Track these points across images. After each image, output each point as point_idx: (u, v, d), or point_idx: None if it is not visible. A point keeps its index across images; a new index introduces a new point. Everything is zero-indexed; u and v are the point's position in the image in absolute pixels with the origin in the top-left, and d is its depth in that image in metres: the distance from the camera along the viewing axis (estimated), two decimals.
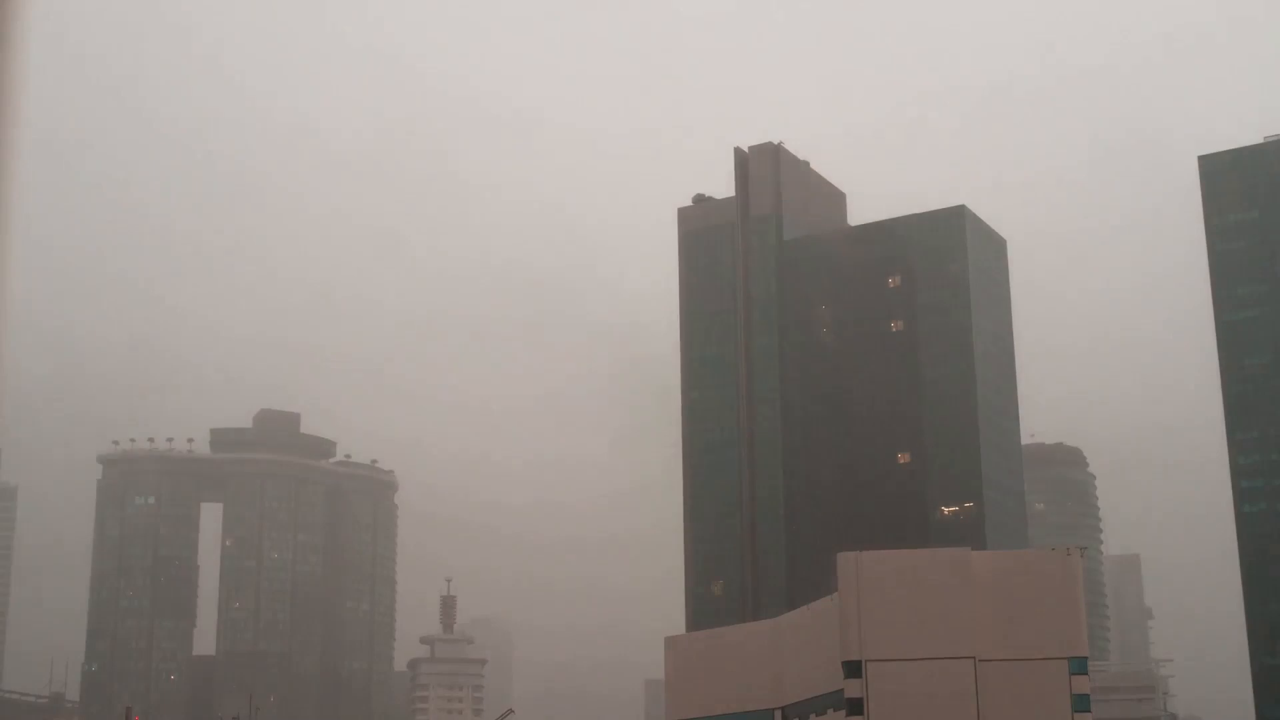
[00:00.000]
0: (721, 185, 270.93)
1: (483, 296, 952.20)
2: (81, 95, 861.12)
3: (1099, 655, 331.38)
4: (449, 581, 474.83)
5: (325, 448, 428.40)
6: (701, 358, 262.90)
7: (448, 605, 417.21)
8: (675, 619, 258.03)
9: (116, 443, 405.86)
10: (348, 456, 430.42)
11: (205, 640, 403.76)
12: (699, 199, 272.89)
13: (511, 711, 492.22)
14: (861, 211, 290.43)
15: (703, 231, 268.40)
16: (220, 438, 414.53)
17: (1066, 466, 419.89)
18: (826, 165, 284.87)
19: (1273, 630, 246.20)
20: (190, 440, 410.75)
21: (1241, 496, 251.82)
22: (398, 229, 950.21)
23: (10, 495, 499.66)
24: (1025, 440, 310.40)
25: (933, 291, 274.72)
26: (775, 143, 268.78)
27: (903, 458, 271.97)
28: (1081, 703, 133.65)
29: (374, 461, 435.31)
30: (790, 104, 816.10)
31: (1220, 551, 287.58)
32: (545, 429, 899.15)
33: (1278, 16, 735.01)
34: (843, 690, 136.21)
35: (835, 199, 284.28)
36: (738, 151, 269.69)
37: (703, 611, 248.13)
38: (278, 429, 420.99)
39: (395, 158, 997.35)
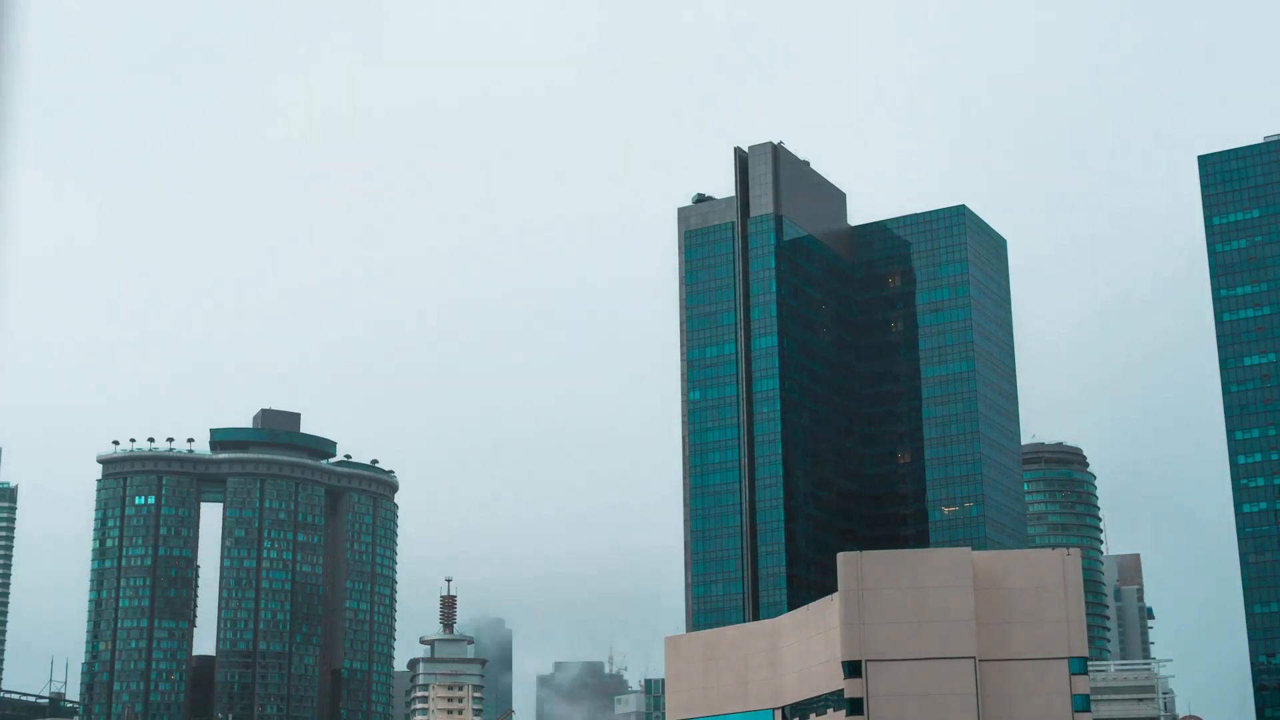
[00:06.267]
0: (721, 185, 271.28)
1: (483, 296, 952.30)
2: (82, 91, 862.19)
3: (1099, 655, 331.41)
4: (449, 581, 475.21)
5: (325, 448, 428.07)
6: (701, 358, 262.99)
7: (448, 605, 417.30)
8: (675, 619, 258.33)
9: (116, 443, 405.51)
10: (348, 456, 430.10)
11: (205, 640, 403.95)
12: (699, 199, 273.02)
13: (511, 712, 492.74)
14: (861, 211, 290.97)
15: (703, 231, 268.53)
16: (220, 438, 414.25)
17: (1066, 466, 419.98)
18: (826, 165, 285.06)
19: (1273, 630, 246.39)
20: (190, 440, 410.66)
21: (1241, 496, 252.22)
22: (398, 230, 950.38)
23: (10, 495, 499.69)
24: (1025, 440, 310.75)
25: (933, 291, 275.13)
26: (775, 143, 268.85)
27: (903, 458, 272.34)
28: (1081, 703, 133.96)
29: (374, 461, 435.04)
30: (790, 104, 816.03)
31: (1220, 551, 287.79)
32: (544, 428, 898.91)
33: (1277, 16, 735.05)
34: (843, 690, 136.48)
35: (835, 199, 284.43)
36: (738, 151, 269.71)
37: (703, 611, 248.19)
38: (278, 429, 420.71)
39: (392, 156, 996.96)
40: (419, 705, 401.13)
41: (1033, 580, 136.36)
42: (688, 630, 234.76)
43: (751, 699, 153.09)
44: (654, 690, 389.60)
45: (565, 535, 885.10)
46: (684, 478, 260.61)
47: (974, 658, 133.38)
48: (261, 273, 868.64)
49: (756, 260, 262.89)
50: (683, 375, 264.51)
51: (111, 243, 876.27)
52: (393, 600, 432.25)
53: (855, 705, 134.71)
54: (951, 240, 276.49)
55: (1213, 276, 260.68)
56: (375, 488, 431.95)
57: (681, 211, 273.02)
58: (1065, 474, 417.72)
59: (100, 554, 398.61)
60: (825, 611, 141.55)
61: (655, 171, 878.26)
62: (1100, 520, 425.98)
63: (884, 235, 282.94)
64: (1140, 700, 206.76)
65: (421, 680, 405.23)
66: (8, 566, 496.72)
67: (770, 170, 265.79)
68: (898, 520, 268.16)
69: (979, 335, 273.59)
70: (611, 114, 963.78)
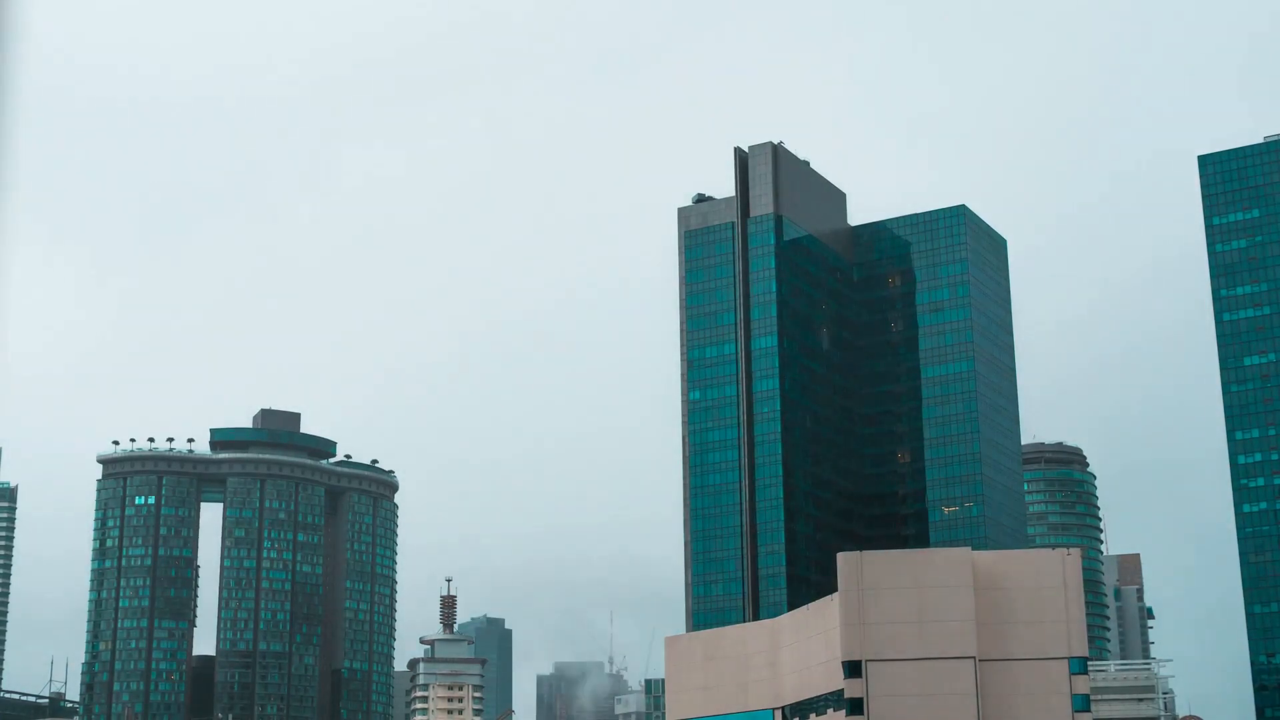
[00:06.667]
0: (721, 185, 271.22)
1: (483, 296, 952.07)
2: (92, 93, 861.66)
3: (1099, 655, 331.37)
4: (449, 581, 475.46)
5: (325, 448, 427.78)
6: (702, 358, 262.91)
7: (448, 605, 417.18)
8: (675, 619, 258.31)
9: (116, 443, 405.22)
10: (348, 456, 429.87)
11: (205, 640, 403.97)
12: (699, 199, 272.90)
13: (512, 712, 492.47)
14: (861, 211, 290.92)
15: (703, 231, 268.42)
16: (220, 438, 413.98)
17: (1066, 466, 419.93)
18: (826, 165, 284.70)
19: (1273, 630, 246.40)
20: (190, 440, 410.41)
21: (1241, 496, 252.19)
22: (397, 231, 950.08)
23: (10, 495, 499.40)
24: (1025, 440, 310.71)
25: (933, 291, 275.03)
26: (775, 143, 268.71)
27: (903, 457, 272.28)
28: (1081, 703, 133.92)
29: (374, 461, 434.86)
30: (790, 104, 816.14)
31: (1220, 551, 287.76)
32: (544, 427, 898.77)
33: (1277, 17, 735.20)
34: (843, 690, 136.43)
35: (835, 199, 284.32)
36: (738, 151, 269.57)
37: (703, 611, 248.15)
38: (278, 429, 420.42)
39: (393, 158, 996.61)
40: (419, 705, 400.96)
41: (1033, 580, 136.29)
42: (688, 630, 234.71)
43: (751, 699, 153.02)
44: (654, 690, 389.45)
45: (565, 535, 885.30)
46: (684, 478, 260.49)
47: (974, 658, 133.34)
48: (262, 273, 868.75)
49: (756, 260, 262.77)
50: (683, 375, 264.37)
51: (113, 244, 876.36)
52: (393, 600, 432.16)
53: (855, 705, 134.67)
54: (951, 240, 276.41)
55: (1213, 276, 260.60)
56: (375, 488, 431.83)
57: (681, 211, 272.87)
58: (1065, 474, 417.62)
59: (100, 554, 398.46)
60: (825, 611, 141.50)
61: (655, 171, 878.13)
62: (1100, 520, 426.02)
63: (884, 235, 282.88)
64: (1140, 700, 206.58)
65: (421, 680, 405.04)
66: (8, 566, 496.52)
67: (770, 170, 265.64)
68: (898, 520, 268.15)
69: (979, 335, 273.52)
70: (612, 114, 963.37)
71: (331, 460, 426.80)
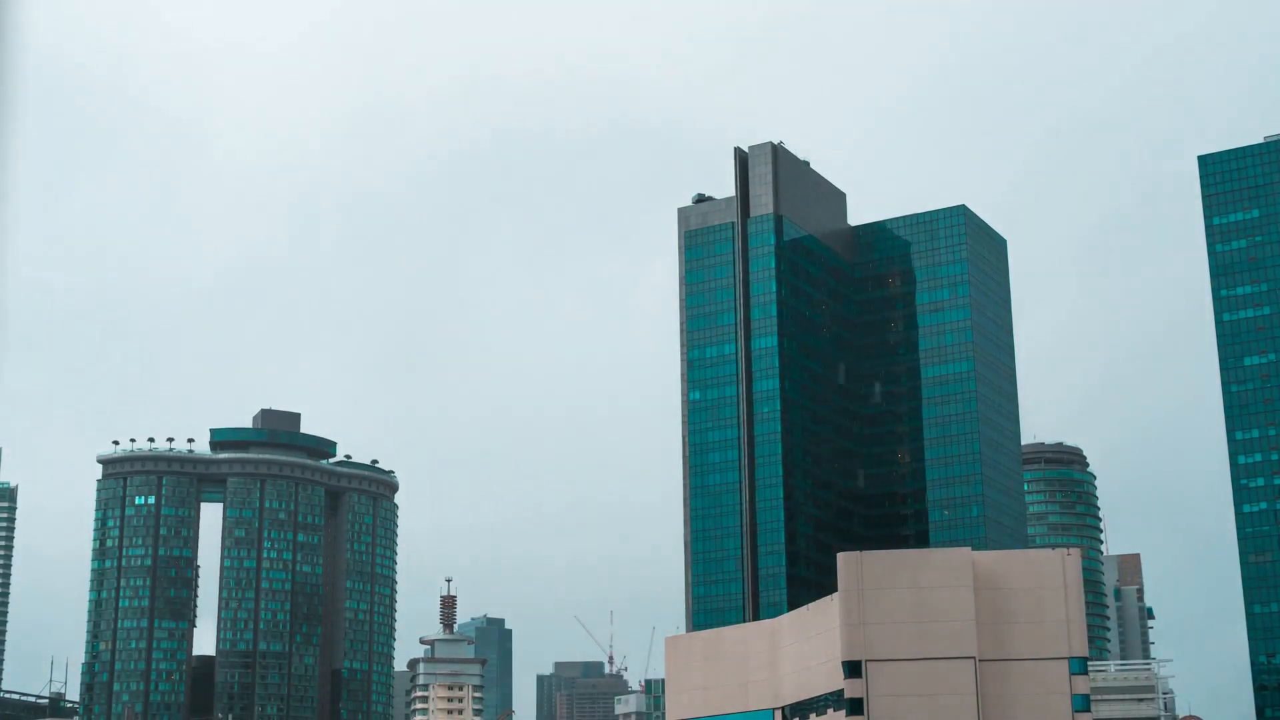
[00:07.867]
0: (721, 185, 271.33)
1: (483, 298, 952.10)
2: (95, 92, 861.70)
3: (1099, 655, 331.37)
4: (449, 581, 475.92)
5: (325, 448, 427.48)
6: (702, 358, 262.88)
7: (448, 605, 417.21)
8: (675, 619, 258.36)
9: (116, 443, 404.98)
10: (348, 456, 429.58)
11: (205, 640, 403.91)
12: (699, 199, 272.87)
13: (511, 712, 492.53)
14: (861, 211, 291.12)
15: (703, 231, 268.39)
16: (220, 438, 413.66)
17: (1066, 466, 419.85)
18: (826, 165, 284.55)
19: (1273, 630, 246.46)
20: (190, 440, 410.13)
21: (1241, 496, 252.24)
22: (396, 231, 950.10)
23: (10, 495, 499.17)
24: (1025, 440, 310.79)
25: (933, 291, 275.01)
26: (775, 143, 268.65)
27: (903, 458, 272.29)
28: (1081, 703, 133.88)
29: (374, 461, 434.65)
30: (790, 104, 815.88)
31: (1220, 551, 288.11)
32: (544, 428, 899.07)
33: (1277, 16, 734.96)
34: (843, 690, 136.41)
35: (835, 199, 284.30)
36: (738, 151, 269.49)
37: (703, 611, 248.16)
38: (278, 429, 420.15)
39: (391, 153, 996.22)
40: (419, 705, 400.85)
41: (1033, 580, 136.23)
42: (688, 630, 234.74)
43: (751, 699, 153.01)
44: (654, 690, 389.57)
45: (565, 535, 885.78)
46: (684, 478, 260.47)
47: (974, 658, 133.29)
48: (262, 274, 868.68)
49: (756, 260, 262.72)
50: (683, 375, 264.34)
51: (113, 242, 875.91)
52: (393, 600, 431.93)
53: (855, 705, 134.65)
54: (951, 240, 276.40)
55: (1213, 276, 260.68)
56: (375, 488, 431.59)
57: (681, 211, 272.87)
58: (1065, 474, 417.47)
59: (100, 554, 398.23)
60: (825, 611, 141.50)
61: (655, 171, 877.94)
62: (1100, 520, 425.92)
63: (884, 235, 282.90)
64: (1140, 700, 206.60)
65: (421, 680, 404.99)
66: (8, 567, 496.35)
67: (770, 170, 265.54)
68: (898, 520, 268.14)
69: (979, 335, 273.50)
70: (612, 114, 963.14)
71: (331, 460, 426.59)
